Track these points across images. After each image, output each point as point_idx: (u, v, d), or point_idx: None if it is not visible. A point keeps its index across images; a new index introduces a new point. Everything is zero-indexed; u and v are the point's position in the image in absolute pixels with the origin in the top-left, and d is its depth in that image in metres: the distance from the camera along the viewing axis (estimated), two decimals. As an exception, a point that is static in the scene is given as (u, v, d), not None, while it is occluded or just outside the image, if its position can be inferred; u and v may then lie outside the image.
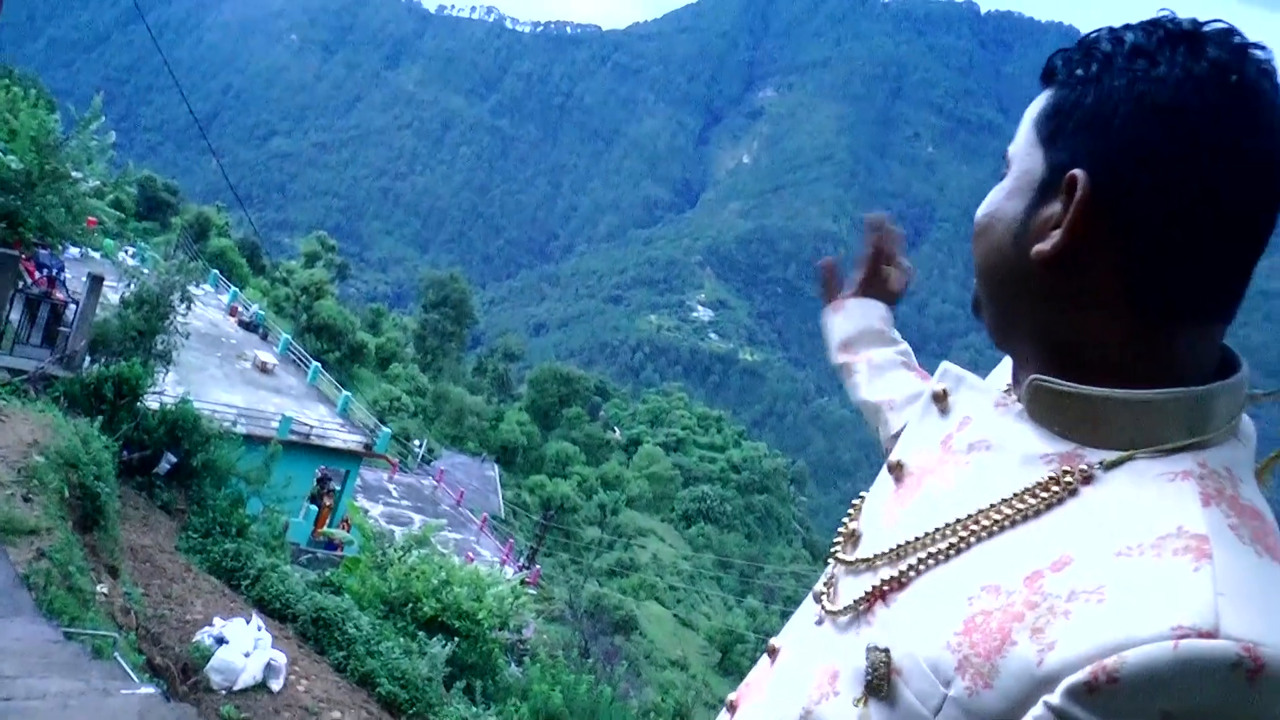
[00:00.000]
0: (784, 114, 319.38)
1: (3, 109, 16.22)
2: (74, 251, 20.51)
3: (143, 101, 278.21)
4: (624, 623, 39.80)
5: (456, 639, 14.60)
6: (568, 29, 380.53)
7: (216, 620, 11.24)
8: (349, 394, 32.02)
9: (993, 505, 0.92)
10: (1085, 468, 0.89)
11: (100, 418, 13.34)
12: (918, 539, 0.97)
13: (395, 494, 37.35)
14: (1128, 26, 0.93)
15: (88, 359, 16.15)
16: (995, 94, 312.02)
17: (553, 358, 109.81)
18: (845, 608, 1.03)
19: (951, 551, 0.94)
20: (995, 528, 0.92)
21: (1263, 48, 0.89)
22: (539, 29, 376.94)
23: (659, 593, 53.74)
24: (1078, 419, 0.92)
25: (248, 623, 11.32)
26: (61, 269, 18.14)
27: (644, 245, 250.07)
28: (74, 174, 16.59)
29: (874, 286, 1.70)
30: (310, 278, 58.65)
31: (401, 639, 13.79)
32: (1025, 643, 0.80)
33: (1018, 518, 0.90)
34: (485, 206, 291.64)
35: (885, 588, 0.98)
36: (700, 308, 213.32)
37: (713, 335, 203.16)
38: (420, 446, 47.11)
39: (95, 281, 16.27)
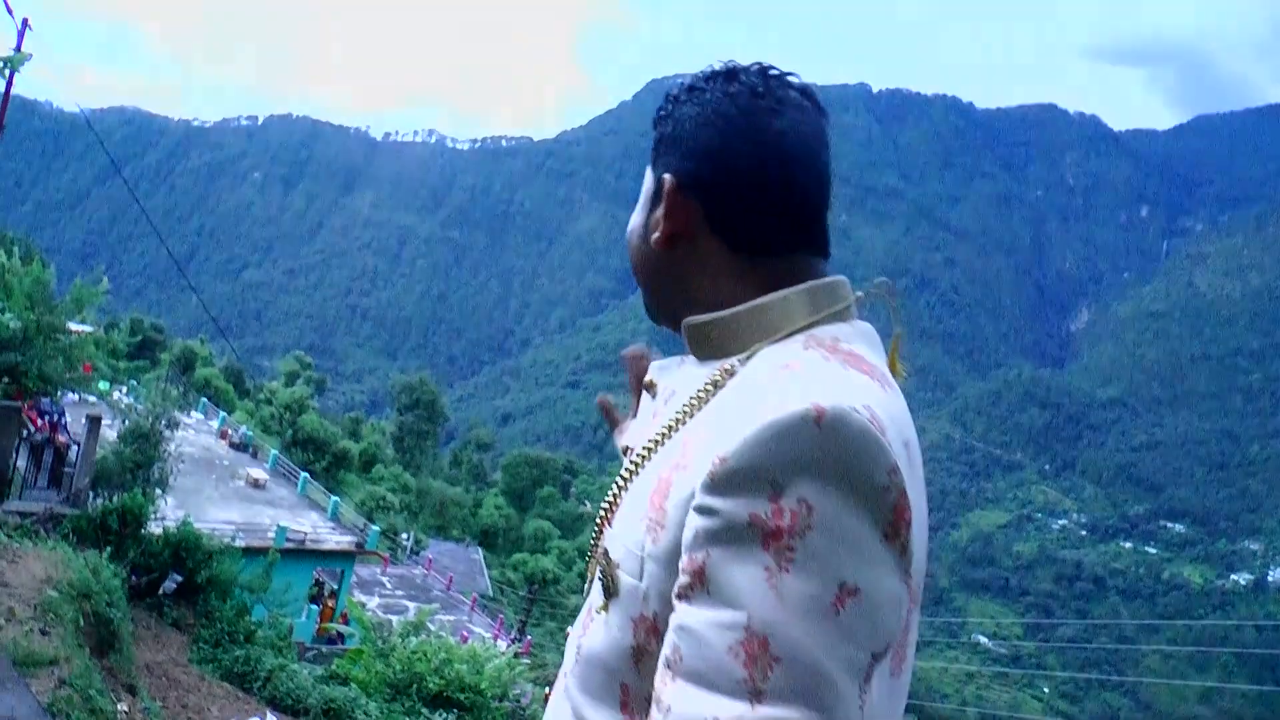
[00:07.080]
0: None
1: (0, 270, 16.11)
2: (72, 396, 20.23)
3: (125, 249, 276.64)
4: (613, 680, 39.23)
5: (459, 712, 14.41)
6: (502, 142, 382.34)
7: (233, 723, 11.09)
8: (337, 499, 31.68)
9: (671, 420, 1.08)
10: (729, 367, 1.06)
11: (108, 548, 13.13)
12: (623, 470, 1.13)
13: (389, 585, 36.79)
14: (692, 76, 1.18)
15: (92, 495, 15.96)
16: (895, 163, 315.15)
17: (521, 444, 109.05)
18: (589, 559, 1.18)
19: (644, 463, 1.09)
20: (670, 432, 1.07)
21: (795, 75, 1.16)
22: (476, 145, 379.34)
23: (642, 648, 53.07)
24: (720, 340, 1.09)
25: (263, 722, 11.18)
26: (62, 414, 17.89)
27: (593, 332, 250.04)
28: (69, 325, 16.51)
29: None
30: (291, 395, 58.03)
31: (408, 718, 13.59)
32: (679, 480, 0.96)
33: (685, 419, 1.06)
34: (445, 312, 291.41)
35: (607, 518, 1.13)
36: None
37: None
38: (408, 539, 46.44)
39: (93, 423, 16.16)
